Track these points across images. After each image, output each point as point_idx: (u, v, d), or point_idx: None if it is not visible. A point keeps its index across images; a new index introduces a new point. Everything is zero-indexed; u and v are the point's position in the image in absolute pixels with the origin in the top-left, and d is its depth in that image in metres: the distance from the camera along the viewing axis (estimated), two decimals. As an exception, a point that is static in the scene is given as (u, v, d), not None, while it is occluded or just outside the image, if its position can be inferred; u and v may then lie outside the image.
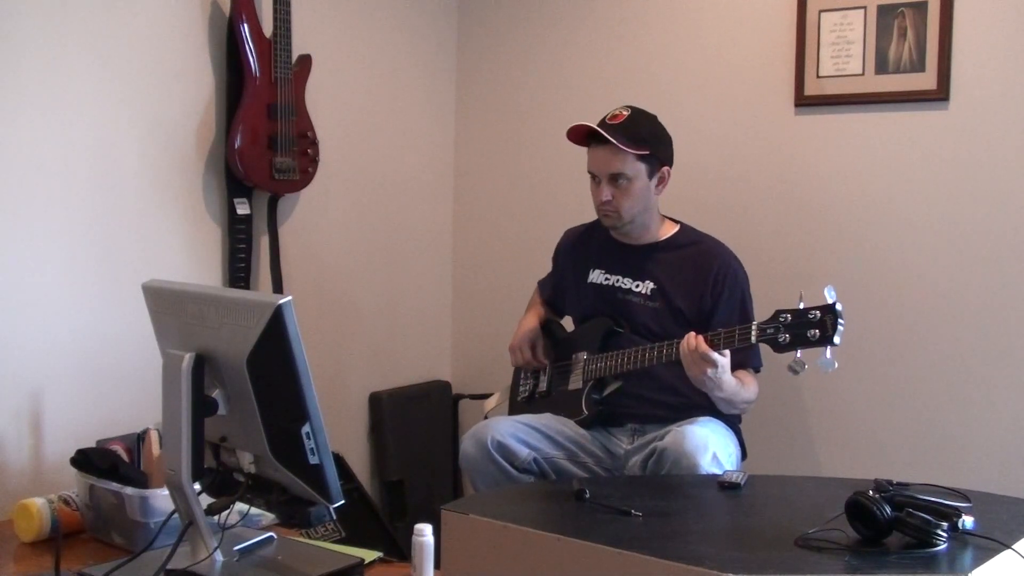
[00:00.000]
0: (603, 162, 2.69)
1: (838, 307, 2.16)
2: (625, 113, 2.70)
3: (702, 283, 2.70)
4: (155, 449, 2.33)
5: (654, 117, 2.76)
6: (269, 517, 2.24)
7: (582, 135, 2.73)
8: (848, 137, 3.16)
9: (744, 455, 2.74)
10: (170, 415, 1.87)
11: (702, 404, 2.60)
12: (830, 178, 3.19)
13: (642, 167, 2.67)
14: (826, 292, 2.16)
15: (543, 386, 2.93)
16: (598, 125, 2.69)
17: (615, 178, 2.67)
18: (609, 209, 2.71)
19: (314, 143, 3.19)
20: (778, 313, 2.30)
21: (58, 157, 2.70)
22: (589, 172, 2.75)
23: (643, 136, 2.67)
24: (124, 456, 2.39)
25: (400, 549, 3.14)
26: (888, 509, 1.73)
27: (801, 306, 2.22)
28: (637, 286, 2.76)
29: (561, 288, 3.00)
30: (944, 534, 1.71)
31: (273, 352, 1.76)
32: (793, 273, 3.16)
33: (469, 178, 3.94)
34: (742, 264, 2.77)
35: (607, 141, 2.64)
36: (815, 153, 3.23)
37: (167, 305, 2.01)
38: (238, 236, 3.12)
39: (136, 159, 2.89)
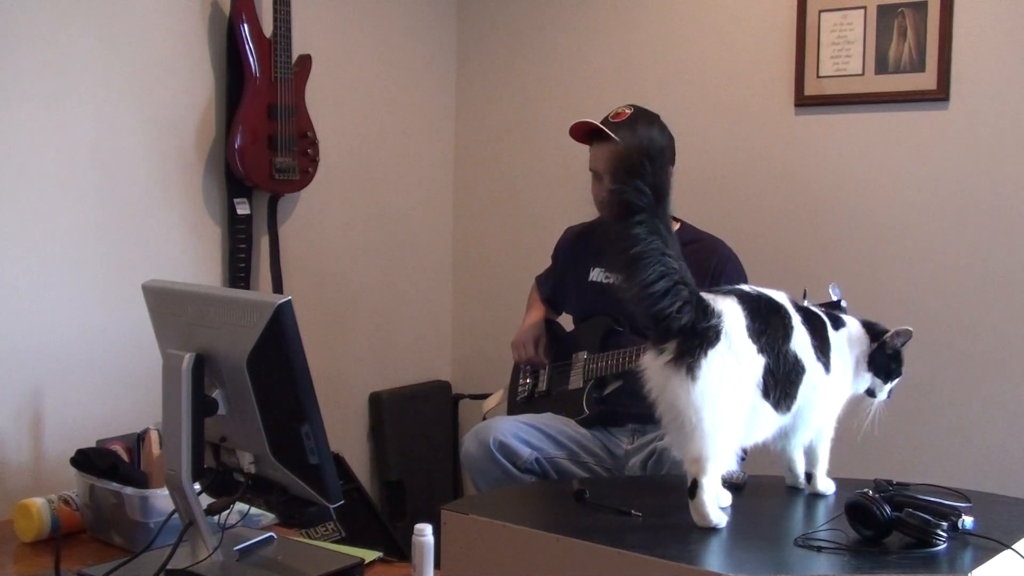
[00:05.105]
0: (606, 159, 2.69)
1: (843, 304, 2.16)
2: (628, 112, 2.71)
3: (701, 279, 2.69)
4: (155, 449, 2.32)
5: (656, 116, 2.76)
6: (269, 517, 2.23)
7: (584, 132, 2.74)
8: (848, 137, 3.16)
9: (744, 455, 2.74)
10: (170, 415, 1.87)
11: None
12: (830, 178, 3.19)
13: None
14: (831, 290, 2.16)
15: (542, 386, 2.93)
16: (601, 123, 2.69)
17: None
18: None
19: (314, 143, 3.19)
20: None
21: (58, 157, 2.70)
22: (591, 170, 2.75)
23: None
24: (124, 456, 2.39)
25: (400, 549, 3.14)
26: (888, 509, 1.73)
27: (806, 303, 2.22)
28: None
29: (561, 286, 3.00)
30: (944, 534, 1.71)
31: (273, 352, 1.76)
32: (793, 272, 3.16)
33: (469, 178, 3.94)
34: (740, 261, 2.77)
35: (610, 138, 2.65)
36: (815, 153, 3.23)
37: (167, 305, 2.01)
38: (238, 236, 3.12)
39: (136, 159, 2.89)
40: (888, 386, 2.09)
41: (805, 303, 2.13)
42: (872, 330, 2.07)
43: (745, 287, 1.98)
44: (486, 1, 3.85)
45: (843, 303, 2.17)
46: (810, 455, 2.09)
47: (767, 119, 3.28)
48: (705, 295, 1.87)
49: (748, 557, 1.77)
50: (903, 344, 2.05)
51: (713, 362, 1.81)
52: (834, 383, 2.01)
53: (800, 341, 1.93)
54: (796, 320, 1.95)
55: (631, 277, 1.80)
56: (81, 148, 2.75)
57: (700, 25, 3.40)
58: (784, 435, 2.04)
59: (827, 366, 1.98)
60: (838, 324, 2.04)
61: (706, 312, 1.83)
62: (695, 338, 1.81)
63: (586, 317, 2.88)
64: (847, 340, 2.04)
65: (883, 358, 2.04)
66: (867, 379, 2.07)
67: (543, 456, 2.65)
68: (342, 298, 3.56)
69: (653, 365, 1.86)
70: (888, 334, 2.04)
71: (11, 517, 2.31)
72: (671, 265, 1.81)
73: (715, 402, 1.81)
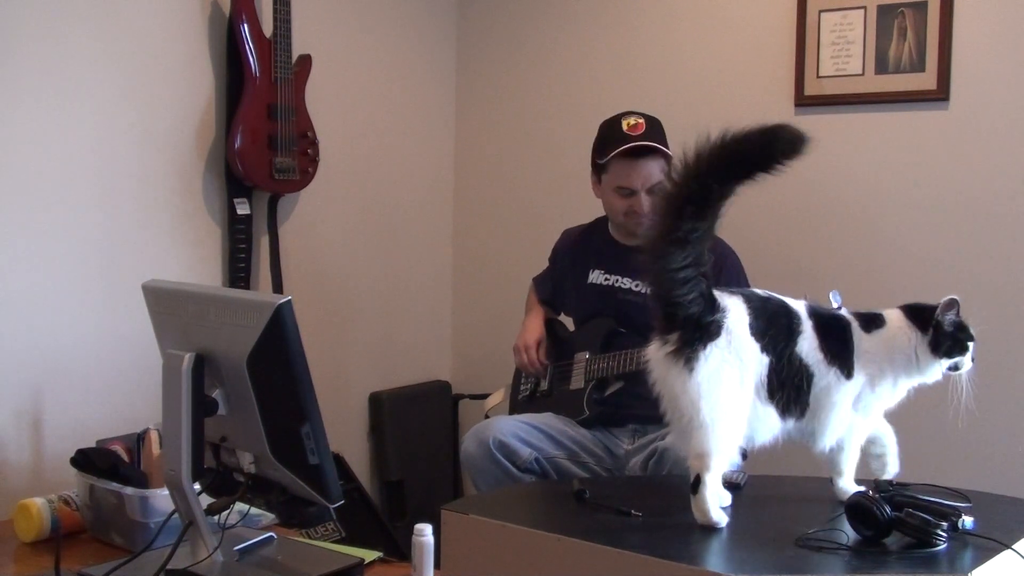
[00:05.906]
0: (648, 175, 2.65)
1: (843, 311, 2.15)
2: (642, 121, 2.69)
3: None
4: (155, 449, 2.32)
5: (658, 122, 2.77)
6: (269, 517, 2.24)
7: (629, 151, 2.67)
8: (848, 137, 3.16)
9: (744, 455, 2.73)
10: (170, 415, 1.87)
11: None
12: (830, 178, 3.18)
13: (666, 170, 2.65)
14: (831, 296, 2.15)
15: (544, 385, 2.93)
16: (635, 139, 2.64)
17: (653, 189, 2.65)
18: (647, 220, 2.66)
19: (314, 143, 3.19)
20: None
21: (58, 157, 2.70)
22: (623, 187, 2.69)
23: (664, 139, 2.69)
24: (124, 456, 2.39)
25: (400, 549, 3.14)
26: (888, 509, 1.73)
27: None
28: (637, 286, 2.76)
29: (560, 289, 3.00)
30: (944, 534, 1.70)
31: (273, 352, 1.76)
32: (793, 273, 3.16)
33: (469, 178, 3.94)
34: (739, 259, 2.77)
35: (653, 154, 2.63)
36: (815, 153, 3.20)
37: (167, 305, 2.01)
38: (238, 236, 3.12)
39: (136, 159, 2.89)
40: (969, 354, 1.98)
41: (839, 308, 2.10)
42: (920, 317, 1.97)
43: (758, 290, 1.97)
44: (486, 1, 3.85)
45: (843, 310, 2.15)
46: (831, 463, 2.02)
47: (767, 119, 3.26)
48: (716, 291, 1.87)
49: (748, 557, 1.77)
50: (958, 313, 1.95)
51: (711, 356, 1.81)
52: (861, 389, 1.95)
53: (808, 345, 1.90)
54: (806, 324, 1.92)
55: (668, 253, 1.79)
56: (81, 148, 2.75)
57: (700, 25, 3.39)
58: (807, 437, 2.01)
59: (848, 372, 1.93)
60: (871, 326, 1.97)
61: (712, 306, 1.83)
62: (697, 331, 1.82)
63: (587, 319, 2.88)
64: (884, 342, 1.96)
65: (948, 337, 1.94)
66: (937, 366, 1.96)
67: (543, 456, 2.65)
68: (342, 298, 3.56)
69: (656, 355, 1.88)
70: (937, 313, 1.94)
71: (11, 517, 2.31)
72: (702, 257, 1.81)
73: (711, 396, 1.80)
